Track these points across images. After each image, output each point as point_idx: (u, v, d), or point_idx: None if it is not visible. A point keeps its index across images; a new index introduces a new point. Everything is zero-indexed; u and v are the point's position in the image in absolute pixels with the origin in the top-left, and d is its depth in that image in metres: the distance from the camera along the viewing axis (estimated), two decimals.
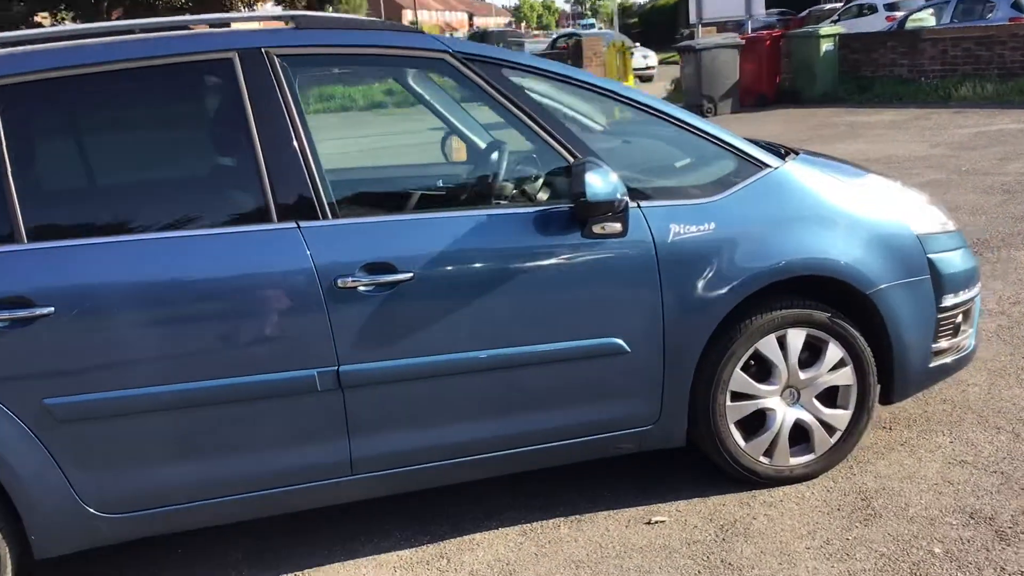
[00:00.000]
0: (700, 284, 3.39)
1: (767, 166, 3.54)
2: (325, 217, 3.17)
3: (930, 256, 3.65)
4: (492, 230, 3.27)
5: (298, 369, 3.14)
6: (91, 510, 3.11)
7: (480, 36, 40.78)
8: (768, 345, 3.53)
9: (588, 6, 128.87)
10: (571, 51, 24.98)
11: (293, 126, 3.17)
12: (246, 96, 3.15)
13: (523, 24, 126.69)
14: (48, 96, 3.06)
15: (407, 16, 69.53)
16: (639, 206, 3.36)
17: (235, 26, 3.55)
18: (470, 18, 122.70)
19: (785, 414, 3.62)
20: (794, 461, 3.66)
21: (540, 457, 3.46)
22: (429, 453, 3.33)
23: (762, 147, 3.74)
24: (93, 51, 3.10)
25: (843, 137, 12.29)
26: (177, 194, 3.22)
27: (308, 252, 3.11)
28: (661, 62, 30.52)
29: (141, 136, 3.32)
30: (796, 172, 3.59)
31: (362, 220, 3.23)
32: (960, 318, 3.82)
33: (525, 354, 3.30)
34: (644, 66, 27.04)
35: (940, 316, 3.70)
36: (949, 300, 3.71)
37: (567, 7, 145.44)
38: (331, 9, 35.14)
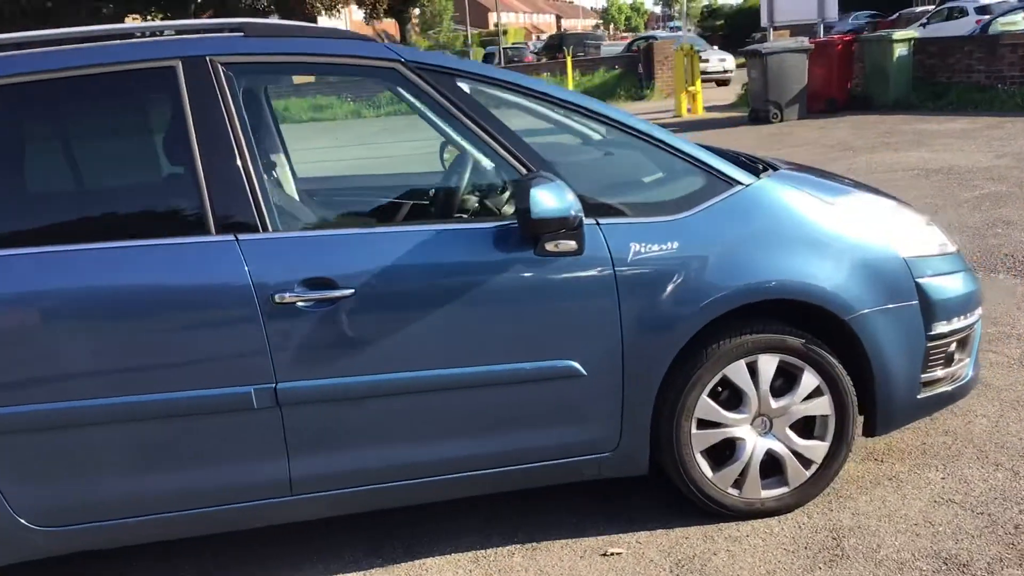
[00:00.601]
0: (661, 306, 3.22)
1: (738, 183, 3.36)
2: (265, 230, 3.08)
3: (919, 280, 3.42)
4: (440, 246, 3.15)
5: (234, 386, 3.07)
6: (24, 522, 3.07)
7: (558, 39, 40.66)
8: (737, 371, 3.34)
9: (676, 8, 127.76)
10: (643, 54, 24.73)
11: (235, 136, 3.09)
12: (187, 105, 3.08)
13: (611, 26, 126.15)
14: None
15: (492, 19, 69.56)
16: (598, 223, 3.20)
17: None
18: (558, 20, 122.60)
19: (756, 444, 3.43)
20: (766, 494, 3.47)
21: (491, 481, 3.34)
22: (372, 474, 3.23)
23: (738, 163, 3.56)
24: (33, 60, 3.06)
25: (907, 145, 11.88)
26: (114, 203, 3.17)
27: (245, 266, 3.03)
28: (740, 66, 29.98)
29: (80, 144, 3.28)
30: (769, 190, 3.40)
31: (302, 234, 3.15)
32: (954, 347, 3.58)
33: (472, 375, 3.18)
34: (721, 69, 26.61)
35: (930, 344, 3.47)
36: (941, 327, 3.48)
37: (656, 9, 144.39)
38: (416, 12, 35.15)
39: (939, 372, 3.56)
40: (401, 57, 3.22)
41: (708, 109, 19.61)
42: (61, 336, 2.98)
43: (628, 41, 31.83)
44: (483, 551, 3.44)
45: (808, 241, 3.34)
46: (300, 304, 3.04)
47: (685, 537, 3.39)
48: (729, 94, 21.51)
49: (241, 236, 3.06)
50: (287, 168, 4.16)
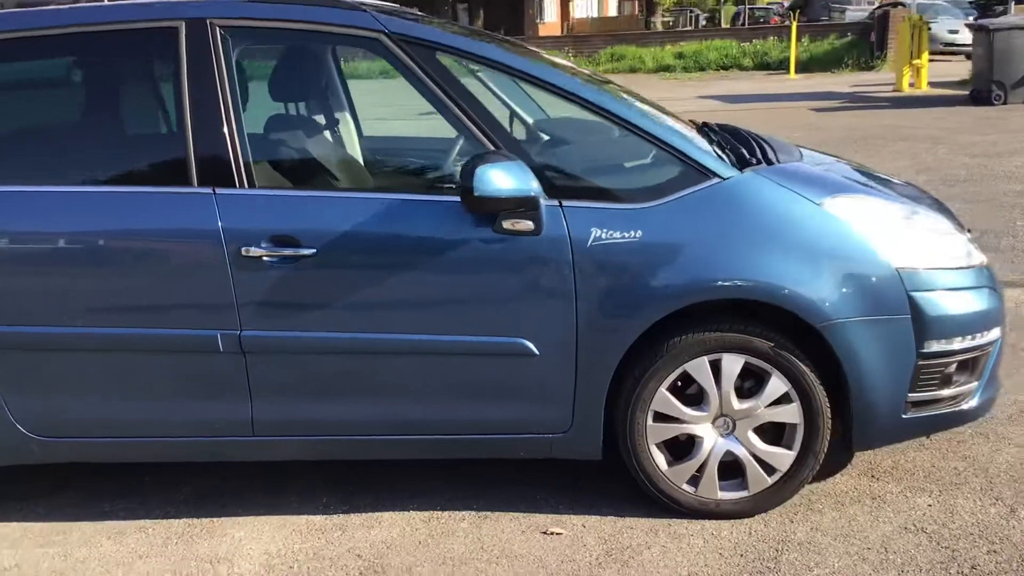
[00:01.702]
0: (619, 294, 3.19)
1: (715, 175, 3.25)
2: (241, 186, 3.27)
3: (913, 294, 3.22)
4: (403, 215, 3.24)
5: (203, 329, 3.29)
6: (22, 430, 3.42)
7: (802, 1, 39.04)
8: (698, 368, 3.27)
9: None
10: (877, 21, 23.48)
11: (223, 95, 3.27)
12: (185, 64, 3.29)
13: None
14: (6, 55, 3.35)
15: None
16: (561, 205, 3.19)
17: None
18: None
19: (716, 444, 3.35)
20: (723, 495, 3.39)
21: (443, 447, 3.43)
22: (328, 426, 3.39)
23: (724, 153, 3.42)
24: (47, 15, 3.36)
25: None
26: (110, 151, 3.44)
27: (219, 217, 3.23)
28: None
29: (86, 95, 3.56)
30: (748, 185, 3.27)
31: (273, 192, 3.31)
32: (953, 368, 3.34)
33: (425, 342, 3.27)
34: (959, 42, 24.80)
35: (921, 363, 3.27)
36: (936, 346, 3.26)
37: None
38: None
39: (932, 393, 3.34)
40: (385, 28, 3.30)
41: (934, 84, 18.41)
42: (56, 267, 3.30)
43: (873, 7, 30.12)
44: (438, 513, 3.54)
45: (783, 242, 3.20)
46: (266, 259, 3.21)
47: (630, 528, 3.37)
48: (960, 70, 20.08)
49: (219, 190, 3.26)
50: (352, 127, 4.34)
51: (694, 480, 3.38)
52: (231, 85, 3.29)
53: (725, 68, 25.10)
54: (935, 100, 16.26)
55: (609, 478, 3.60)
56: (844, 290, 3.18)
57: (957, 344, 3.30)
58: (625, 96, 3.76)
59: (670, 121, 3.65)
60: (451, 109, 3.25)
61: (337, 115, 4.21)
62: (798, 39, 24.01)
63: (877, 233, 3.25)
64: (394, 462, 3.75)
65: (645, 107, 3.71)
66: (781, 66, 24.02)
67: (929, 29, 18.75)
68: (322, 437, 3.42)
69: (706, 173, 3.24)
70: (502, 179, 3.03)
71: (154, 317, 3.30)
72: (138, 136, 3.50)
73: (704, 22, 42.16)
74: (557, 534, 3.36)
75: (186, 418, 3.41)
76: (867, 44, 23.92)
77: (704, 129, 3.94)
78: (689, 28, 37.75)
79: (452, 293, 3.25)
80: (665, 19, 44.74)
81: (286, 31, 3.38)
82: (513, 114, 4.11)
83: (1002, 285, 3.56)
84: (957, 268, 3.35)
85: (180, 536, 3.49)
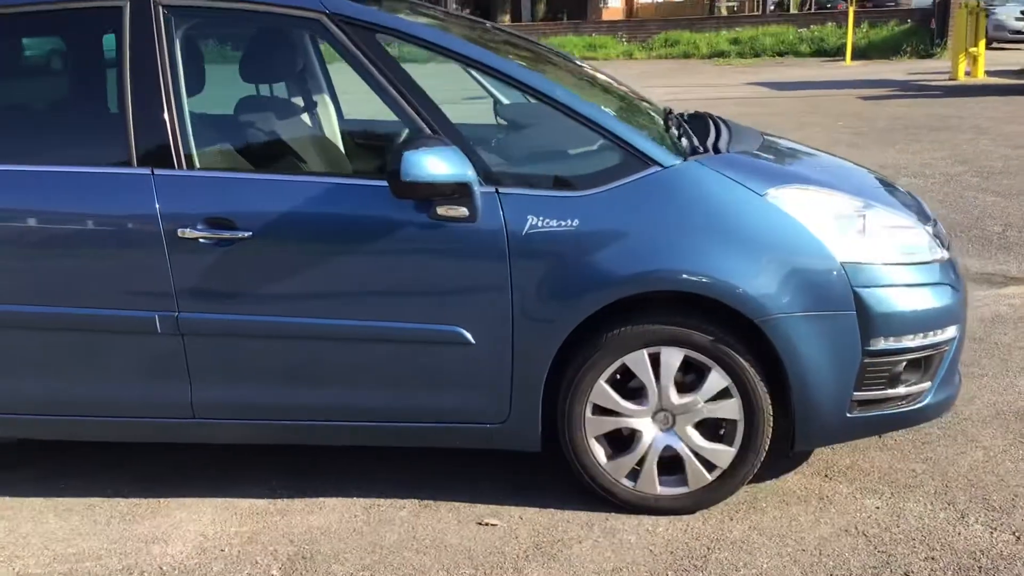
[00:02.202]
0: (555, 284, 3.14)
1: (655, 163, 3.17)
2: (180, 167, 3.26)
3: (858, 289, 3.11)
4: (339, 199, 3.21)
5: (141, 310, 3.30)
6: None
7: None
8: (637, 361, 3.20)
9: None
10: (938, 7, 22.93)
11: (163, 76, 3.27)
12: (128, 44, 3.29)
13: None
14: None
15: None
16: (497, 192, 3.14)
17: None
18: None
19: (655, 438, 3.28)
20: (662, 491, 3.32)
21: (379, 435, 3.41)
22: (266, 410, 3.39)
23: (673, 141, 3.33)
24: None
25: None
26: (55, 131, 3.46)
27: (156, 198, 3.23)
28: None
29: (35, 76, 3.58)
30: (688, 174, 3.18)
31: (210, 174, 3.30)
32: (902, 367, 3.23)
33: (360, 329, 3.25)
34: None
35: (867, 361, 3.16)
36: (883, 343, 3.16)
37: None
38: None
39: (880, 392, 3.23)
40: (326, 9, 3.26)
41: (992, 73, 17.89)
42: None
43: None
44: (381, 500, 3.52)
45: (721, 233, 3.12)
46: (202, 240, 3.21)
47: (567, 521, 3.32)
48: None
49: (157, 171, 3.26)
50: (331, 110, 4.33)
51: (634, 475, 3.32)
52: (172, 65, 3.28)
53: (780, 55, 24.68)
54: (990, 89, 15.83)
55: (557, 470, 3.54)
56: (785, 284, 3.09)
57: (907, 342, 3.19)
58: (587, 82, 3.69)
59: (631, 107, 3.58)
60: (390, 93, 3.21)
61: (312, 99, 4.20)
62: (857, 25, 23.50)
63: (822, 225, 3.16)
64: (348, 448, 3.73)
65: (606, 94, 3.65)
66: (838, 53, 23.54)
67: (992, 16, 18.21)
68: (259, 421, 3.41)
69: (646, 161, 3.17)
70: (431, 164, 2.98)
71: (94, 297, 3.32)
72: (83, 116, 3.50)
73: (773, 7, 41.51)
74: (492, 525, 3.32)
75: (128, 399, 3.42)
76: (927, 31, 23.37)
77: (669, 117, 3.85)
78: (756, 13, 37.06)
79: (388, 279, 3.22)
80: (730, 4, 44.07)
81: (229, 11, 3.35)
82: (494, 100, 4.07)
83: (964, 281, 3.43)
84: (911, 263, 3.24)
85: (124, 515, 3.51)
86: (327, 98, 4.33)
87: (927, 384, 3.30)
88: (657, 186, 3.15)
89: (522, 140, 3.52)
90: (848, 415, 3.22)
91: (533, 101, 3.27)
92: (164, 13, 3.30)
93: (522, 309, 3.16)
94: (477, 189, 3.09)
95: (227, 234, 3.21)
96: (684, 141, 3.38)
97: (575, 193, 3.15)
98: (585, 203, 3.14)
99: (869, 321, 3.13)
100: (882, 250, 3.21)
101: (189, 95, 3.34)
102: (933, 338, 3.24)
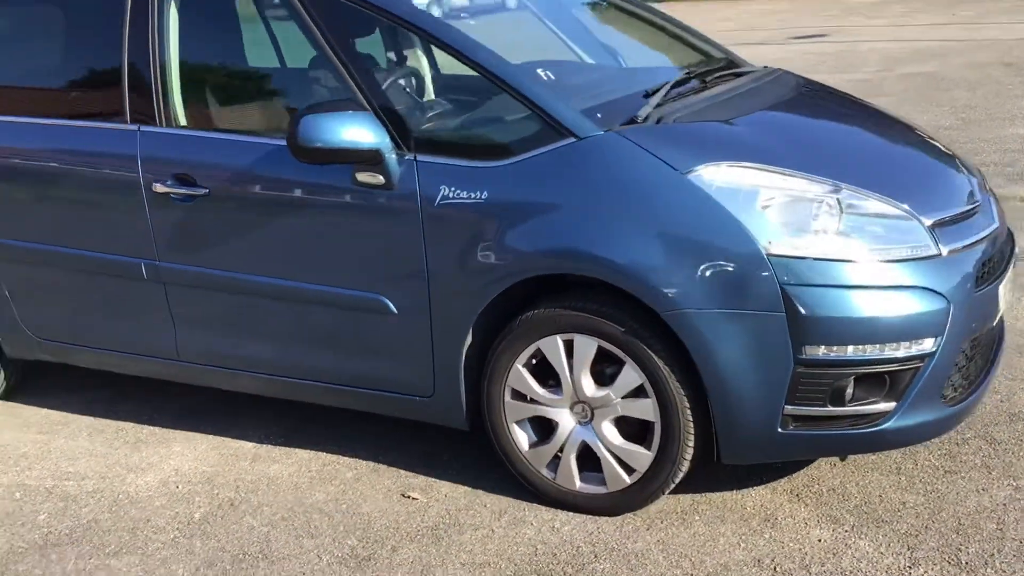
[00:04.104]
0: (465, 259, 3.01)
1: (570, 134, 2.90)
2: (161, 124, 3.46)
3: (789, 287, 2.69)
4: (279, 160, 3.23)
5: (130, 256, 3.57)
6: (27, 331, 3.94)
7: None
8: (551, 347, 3.00)
9: None
10: None
11: (154, 37, 3.46)
12: (128, 8, 3.51)
13: None
14: None
15: None
16: (415, 159, 3.05)
17: None
18: None
19: (573, 431, 3.06)
20: (583, 487, 3.09)
21: (318, 393, 3.46)
22: (231, 359, 3.55)
23: (596, 107, 3.03)
24: None
25: None
26: (73, 87, 3.77)
27: (138, 154, 3.47)
28: None
29: (52, 38, 3.88)
30: (604, 146, 2.88)
31: (179, 132, 3.46)
32: (849, 382, 2.76)
33: (295, 289, 3.31)
34: None
35: (801, 371, 2.74)
36: (818, 352, 2.72)
37: None
38: None
39: (820, 409, 2.79)
40: None
41: None
42: (27, 187, 3.73)
43: None
44: (341, 458, 3.57)
45: (631, 213, 2.82)
46: (172, 196, 3.40)
47: (484, 505, 3.19)
48: None
49: (143, 127, 3.48)
50: (426, 68, 4.36)
51: (554, 466, 3.12)
52: (162, 27, 3.45)
53: None
54: None
55: None
56: (699, 275, 2.74)
57: (853, 354, 2.72)
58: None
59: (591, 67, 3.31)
60: (328, 55, 3.18)
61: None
62: None
63: (750, 211, 2.74)
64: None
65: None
66: None
67: None
68: (224, 369, 3.57)
69: (561, 131, 2.91)
70: (330, 129, 2.94)
71: (99, 243, 3.61)
72: (93, 73, 3.78)
73: None
74: (413, 499, 3.27)
75: (131, 337, 3.72)
76: None
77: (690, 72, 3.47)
78: None
79: (319, 243, 3.23)
80: None
81: None
82: None
83: (967, 284, 2.83)
84: (884, 260, 2.74)
85: (135, 441, 3.84)
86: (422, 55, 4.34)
87: (889, 405, 2.79)
88: (569, 158, 2.89)
89: (453, 107, 3.34)
90: (781, 431, 2.81)
91: (466, 69, 3.10)
92: None
93: (437, 283, 3.06)
94: (389, 156, 3.00)
95: (189, 191, 3.36)
96: (627, 108, 3.03)
97: (487, 163, 2.97)
98: (495, 174, 2.95)
99: (801, 325, 2.69)
100: (836, 243, 2.73)
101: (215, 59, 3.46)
102: (896, 351, 2.73)
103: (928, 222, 2.83)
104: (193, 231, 3.43)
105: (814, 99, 3.60)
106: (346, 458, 3.56)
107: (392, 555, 2.97)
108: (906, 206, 2.84)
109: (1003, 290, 3.00)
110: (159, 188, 3.40)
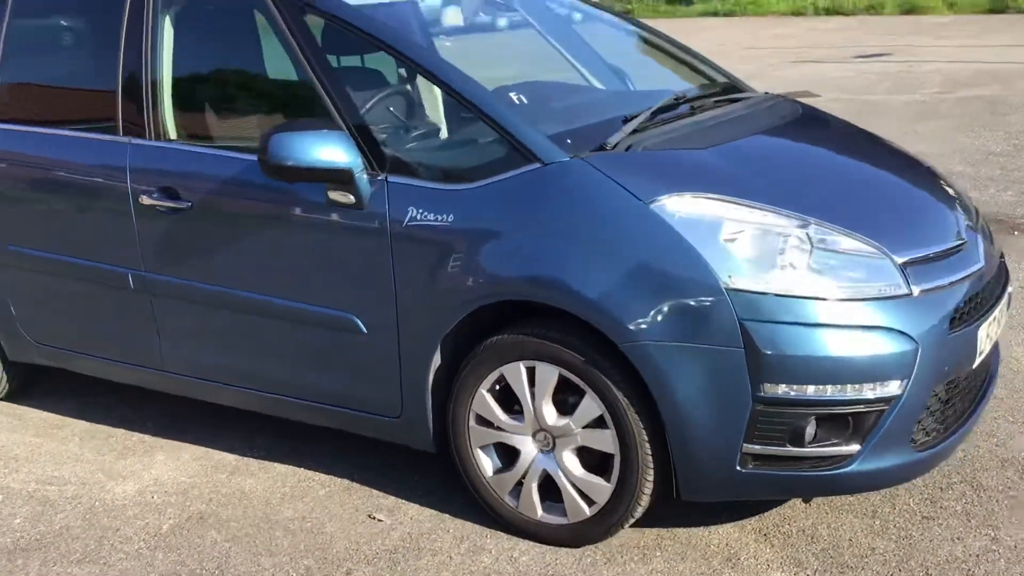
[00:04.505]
0: (431, 282, 2.99)
1: (536, 159, 2.87)
2: (151, 137, 3.50)
3: (748, 323, 2.63)
4: (258, 175, 3.23)
5: (118, 265, 3.61)
6: (25, 335, 4.02)
7: None
8: (514, 373, 2.96)
9: None
10: None
11: (147, 51, 3.50)
12: (125, 22, 3.56)
13: None
14: (15, 10, 3.86)
15: None
16: (387, 179, 3.04)
17: None
18: None
19: (535, 459, 3.01)
20: (544, 517, 3.05)
21: (296, 410, 3.46)
22: (212, 372, 3.57)
23: (567, 132, 2.98)
24: None
25: None
26: (72, 99, 3.83)
27: (128, 165, 3.51)
28: None
29: (61, 50, 3.94)
30: (568, 173, 2.84)
31: (165, 145, 3.48)
32: (810, 422, 2.68)
33: (271, 304, 3.31)
34: None
35: (760, 409, 2.67)
36: (779, 391, 2.65)
37: None
38: None
39: (780, 449, 2.71)
40: None
41: None
42: (27, 194, 3.80)
43: None
44: (317, 475, 3.56)
45: (593, 241, 2.77)
46: (158, 208, 3.44)
47: (447, 531, 3.16)
48: None
49: (133, 140, 3.53)
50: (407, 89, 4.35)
51: (516, 494, 3.07)
52: (155, 42, 3.49)
53: None
54: None
55: None
56: (658, 307, 2.68)
57: (813, 393, 2.63)
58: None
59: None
60: (307, 72, 3.18)
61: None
62: None
63: (711, 243, 2.68)
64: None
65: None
66: None
67: None
68: (209, 382, 3.59)
69: (527, 156, 2.87)
70: (299, 148, 2.94)
71: (91, 251, 3.66)
72: (91, 85, 3.82)
73: None
74: (379, 520, 3.24)
75: (119, 345, 3.76)
76: None
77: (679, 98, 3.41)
78: None
79: (294, 260, 3.23)
80: None
81: None
82: None
83: (939, 325, 2.73)
84: (850, 299, 2.66)
85: (122, 448, 3.88)
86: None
87: (853, 448, 2.70)
88: (533, 184, 2.85)
89: (428, 129, 3.31)
90: (739, 469, 2.73)
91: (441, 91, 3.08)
92: None
93: (404, 304, 3.04)
94: (360, 176, 2.99)
95: (173, 204, 3.39)
96: (599, 135, 2.98)
97: (455, 186, 2.94)
98: (462, 197, 2.92)
99: (760, 362, 2.62)
100: (801, 279, 2.66)
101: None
102: (859, 393, 2.64)
103: (900, 260, 2.74)
104: (176, 243, 3.46)
105: (806, 128, 3.51)
106: (322, 475, 3.55)
107: None
108: (877, 243, 2.75)
109: (984, 332, 2.89)
110: (145, 200, 3.43)
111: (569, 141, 2.93)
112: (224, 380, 3.54)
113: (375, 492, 3.42)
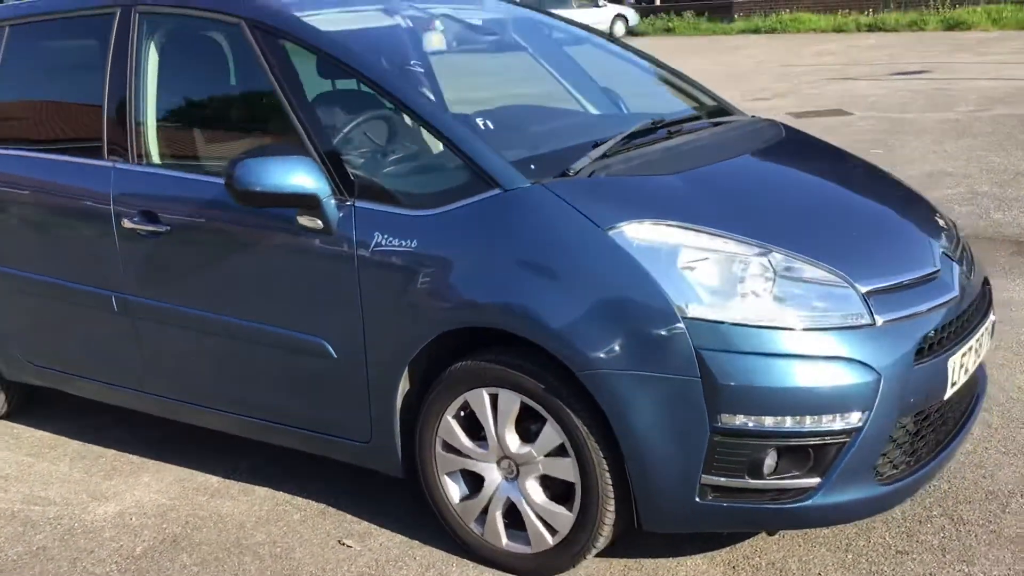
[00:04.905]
0: (396, 308, 2.98)
1: (497, 185, 2.85)
2: (134, 161, 3.55)
3: (704, 352, 2.59)
4: (228, 200, 3.26)
5: (101, 288, 3.66)
6: (20, 356, 4.08)
7: None
8: (477, 400, 2.94)
9: None
10: None
11: (133, 77, 3.55)
12: (111, 48, 3.62)
13: None
14: (17, 36, 3.95)
15: None
16: (354, 205, 3.04)
17: None
18: None
19: (499, 487, 2.99)
20: (508, 546, 3.02)
21: (272, 434, 3.46)
22: (193, 394, 3.59)
23: (532, 158, 2.96)
24: (23, 7, 3.89)
25: None
26: (61, 123, 3.89)
27: (111, 190, 3.56)
28: None
29: (50, 76, 4.00)
30: (529, 199, 2.82)
31: (146, 170, 3.52)
32: (769, 454, 2.63)
33: (246, 328, 3.32)
34: None
35: (718, 440, 2.63)
36: (737, 422, 2.60)
37: None
38: None
39: (740, 481, 2.66)
40: (245, 14, 3.31)
41: None
42: (19, 217, 3.88)
43: None
44: (295, 499, 3.57)
45: (552, 268, 2.75)
46: (139, 231, 3.47)
47: (414, 559, 3.14)
48: None
49: (117, 164, 3.57)
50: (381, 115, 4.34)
51: (482, 521, 3.05)
52: (139, 67, 3.54)
53: None
54: None
55: None
56: (615, 336, 2.65)
57: (772, 425, 2.59)
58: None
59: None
60: (280, 98, 3.20)
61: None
62: None
63: (668, 271, 2.64)
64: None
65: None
66: None
67: None
68: (190, 404, 3.61)
69: (489, 181, 2.86)
70: (265, 174, 2.95)
71: (77, 274, 3.71)
72: (79, 111, 3.88)
73: None
74: (348, 546, 3.24)
75: (105, 365, 3.81)
76: None
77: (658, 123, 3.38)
78: None
79: (267, 284, 3.24)
80: None
81: (181, 16, 3.52)
82: None
83: (905, 356, 2.67)
84: (810, 328, 2.61)
85: (110, 469, 3.92)
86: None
87: (813, 480, 2.64)
88: (494, 210, 2.84)
89: (398, 155, 3.29)
90: (699, 500, 2.69)
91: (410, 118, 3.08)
92: (137, 19, 3.56)
93: (371, 330, 3.04)
94: (328, 201, 3.00)
95: (153, 227, 3.42)
96: (561, 162, 2.96)
97: (419, 212, 2.94)
98: (425, 223, 2.92)
99: (717, 392, 2.58)
100: (760, 308, 2.61)
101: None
102: (817, 424, 2.59)
103: (864, 289, 2.68)
104: (156, 267, 3.49)
105: (785, 153, 3.46)
106: (300, 499, 3.56)
107: None
108: (841, 272, 2.69)
109: (957, 362, 2.82)
110: (127, 224, 3.47)
111: (533, 167, 2.91)
112: (203, 403, 3.57)
113: (349, 517, 3.41)
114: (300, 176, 2.95)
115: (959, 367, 2.84)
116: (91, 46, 3.76)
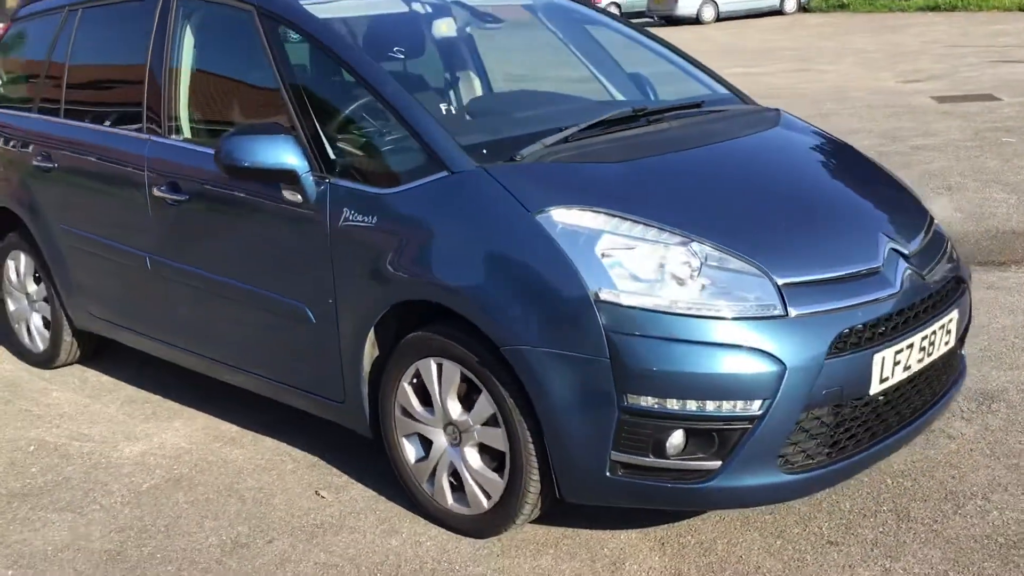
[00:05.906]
0: (359, 279, 3.22)
1: (444, 168, 3.03)
2: (167, 134, 3.90)
3: (614, 335, 2.71)
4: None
5: (140, 250, 4.05)
6: (85, 309, 4.54)
7: None
8: (426, 368, 3.14)
9: None
10: None
11: (167, 57, 3.90)
12: (154, 30, 3.98)
13: None
14: (87, 19, 4.38)
15: None
16: (329, 181, 3.29)
17: None
18: None
19: (445, 451, 3.19)
20: (453, 506, 3.21)
21: (259, 385, 3.77)
22: (208, 348, 3.94)
23: (487, 143, 3.11)
24: None
25: None
26: (111, 101, 4.29)
27: (146, 162, 3.93)
28: None
29: (103, 56, 4.39)
30: (469, 181, 2.98)
31: (171, 142, 3.87)
32: (674, 435, 2.74)
33: (246, 291, 3.62)
34: None
35: (625, 418, 2.75)
36: (642, 403, 2.72)
37: None
38: None
39: (645, 459, 2.78)
40: (255, 4, 3.59)
41: None
42: (80, 183, 4.31)
43: None
44: (294, 451, 3.85)
45: (483, 248, 2.92)
46: (168, 200, 3.84)
47: (378, 511, 3.36)
48: None
49: (153, 137, 3.94)
50: (474, 85, 4.60)
51: (432, 482, 3.26)
52: (175, 47, 3.88)
53: None
54: None
55: None
56: (534, 314, 2.80)
57: (672, 406, 2.69)
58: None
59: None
60: (276, 78, 3.47)
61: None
62: None
63: (586, 255, 2.76)
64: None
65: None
66: None
67: None
68: (206, 357, 3.96)
69: (439, 163, 3.05)
70: (250, 150, 3.23)
71: (122, 236, 4.12)
72: (126, 87, 4.24)
73: None
74: (321, 497, 3.50)
75: (149, 320, 4.20)
76: None
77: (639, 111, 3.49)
78: None
79: (263, 251, 3.53)
80: None
81: (209, 3, 3.83)
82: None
83: (816, 349, 2.70)
84: (721, 317, 2.69)
85: (151, 413, 4.31)
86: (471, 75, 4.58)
87: (715, 463, 2.73)
88: (441, 191, 3.02)
89: (373, 134, 3.46)
90: (609, 475, 2.81)
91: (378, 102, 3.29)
92: (176, 3, 3.90)
93: (341, 298, 3.28)
94: (306, 177, 3.25)
95: (176, 196, 3.77)
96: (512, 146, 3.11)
97: (380, 190, 3.15)
98: (385, 201, 3.13)
99: (624, 373, 2.70)
100: (672, 294, 2.71)
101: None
102: (721, 410, 2.67)
103: (781, 282, 2.73)
104: (177, 232, 3.84)
105: (764, 144, 3.47)
106: (298, 451, 3.84)
107: (265, 546, 3.21)
108: (758, 263, 2.75)
109: (886, 358, 2.82)
110: (156, 192, 3.82)
111: (485, 151, 3.07)
112: (216, 357, 3.90)
113: (334, 471, 3.67)
114: (281, 153, 3.21)
115: (892, 363, 2.84)
116: (141, 28, 4.11)
